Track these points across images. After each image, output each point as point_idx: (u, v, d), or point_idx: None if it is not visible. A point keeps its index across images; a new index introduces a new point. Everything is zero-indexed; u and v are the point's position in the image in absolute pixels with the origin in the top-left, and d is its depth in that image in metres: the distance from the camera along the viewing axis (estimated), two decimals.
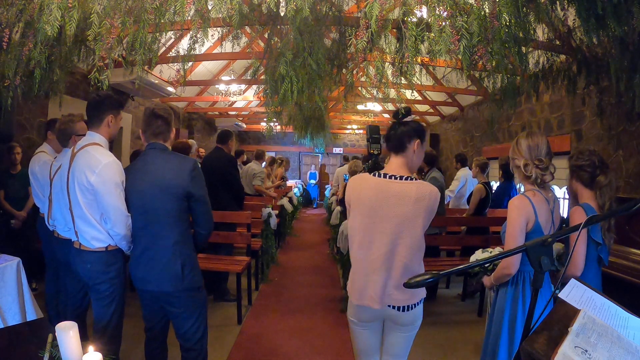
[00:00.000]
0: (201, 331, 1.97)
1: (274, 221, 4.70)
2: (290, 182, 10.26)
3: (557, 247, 1.97)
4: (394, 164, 1.65)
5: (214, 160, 3.93)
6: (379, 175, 1.62)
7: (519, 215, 1.67)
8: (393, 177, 1.60)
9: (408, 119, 1.66)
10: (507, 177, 4.43)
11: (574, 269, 1.71)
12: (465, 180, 5.23)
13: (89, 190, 1.84)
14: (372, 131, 1.96)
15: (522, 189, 1.83)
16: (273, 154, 9.72)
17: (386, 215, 1.57)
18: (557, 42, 2.78)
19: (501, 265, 1.71)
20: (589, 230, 1.75)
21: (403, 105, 1.94)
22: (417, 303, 1.63)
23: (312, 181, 12.73)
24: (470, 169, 5.36)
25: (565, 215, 2.26)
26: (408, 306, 1.60)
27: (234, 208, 3.87)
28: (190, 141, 4.69)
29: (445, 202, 5.24)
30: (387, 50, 2.47)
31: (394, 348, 1.71)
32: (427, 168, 4.50)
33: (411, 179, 1.60)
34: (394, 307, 1.60)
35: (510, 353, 1.72)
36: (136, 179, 1.86)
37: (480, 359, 1.89)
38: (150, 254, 1.86)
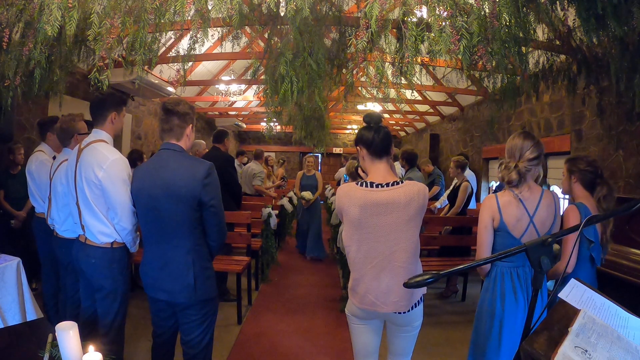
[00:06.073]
0: (207, 339, 1.86)
1: (274, 221, 4.70)
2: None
3: None
4: (380, 170, 1.62)
5: (211, 160, 3.92)
6: (365, 185, 1.59)
7: (483, 213, 1.79)
8: (380, 186, 1.57)
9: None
10: None
11: (568, 267, 1.72)
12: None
13: (96, 186, 1.88)
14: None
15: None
16: (272, 154, 9.69)
17: (376, 226, 1.55)
18: (557, 42, 2.78)
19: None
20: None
21: (370, 111, 1.97)
22: (417, 303, 1.63)
23: (307, 194, 5.88)
24: (472, 171, 5.32)
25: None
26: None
27: (232, 208, 3.86)
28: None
29: (444, 204, 5.23)
30: (387, 50, 2.46)
31: (397, 348, 1.73)
32: (407, 167, 4.47)
33: (398, 183, 1.58)
34: (395, 311, 1.60)
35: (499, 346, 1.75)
36: (148, 181, 1.74)
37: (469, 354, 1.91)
38: (161, 263, 1.75)
